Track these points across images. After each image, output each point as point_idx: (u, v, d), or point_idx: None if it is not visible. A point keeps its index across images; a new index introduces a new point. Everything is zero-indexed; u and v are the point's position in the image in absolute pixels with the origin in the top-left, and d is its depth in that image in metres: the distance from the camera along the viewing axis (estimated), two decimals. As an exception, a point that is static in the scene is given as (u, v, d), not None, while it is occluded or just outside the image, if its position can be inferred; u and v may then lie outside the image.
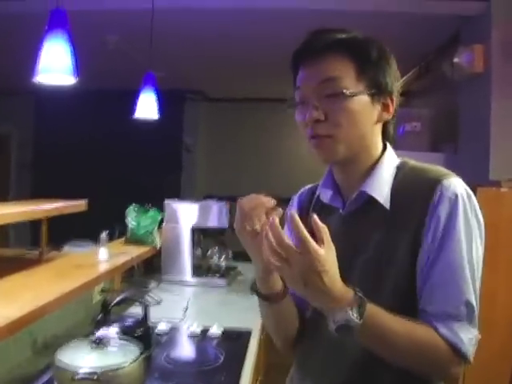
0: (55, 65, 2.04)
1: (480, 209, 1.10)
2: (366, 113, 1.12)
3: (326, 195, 1.27)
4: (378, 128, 1.18)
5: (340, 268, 0.98)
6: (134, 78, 3.48)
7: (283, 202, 1.36)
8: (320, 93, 1.11)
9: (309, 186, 1.40)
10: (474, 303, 1.04)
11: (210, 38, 4.72)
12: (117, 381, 1.46)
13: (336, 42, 1.12)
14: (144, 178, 6.85)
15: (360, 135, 1.13)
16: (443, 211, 1.05)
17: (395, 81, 1.17)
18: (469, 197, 1.08)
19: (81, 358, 1.49)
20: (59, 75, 2.09)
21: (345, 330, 0.96)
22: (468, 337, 1.03)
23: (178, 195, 7.05)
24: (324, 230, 0.94)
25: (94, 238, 2.77)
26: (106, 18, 4.11)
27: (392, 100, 1.16)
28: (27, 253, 2.94)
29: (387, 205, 1.12)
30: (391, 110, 1.16)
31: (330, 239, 0.94)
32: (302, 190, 1.41)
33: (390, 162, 1.18)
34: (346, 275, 0.99)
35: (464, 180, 1.12)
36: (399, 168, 1.18)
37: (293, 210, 0.95)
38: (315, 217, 0.93)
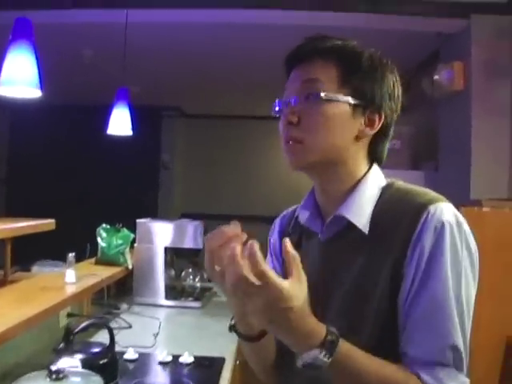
0: (18, 76, 1.95)
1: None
2: (342, 122, 1.04)
3: (303, 217, 1.17)
4: (361, 145, 1.09)
5: (318, 299, 0.90)
6: (110, 93, 3.41)
7: (263, 220, 1.27)
8: (300, 94, 1.05)
9: (293, 207, 1.30)
10: (462, 347, 0.93)
11: (187, 53, 4.68)
12: (75, 418, 1.34)
13: (325, 47, 1.06)
14: (121, 195, 6.75)
15: (332, 144, 1.04)
16: (427, 241, 0.94)
17: (389, 98, 1.08)
18: (459, 225, 0.97)
19: (36, 393, 1.37)
20: (23, 88, 1.99)
21: (312, 369, 0.87)
22: None
23: (156, 213, 6.95)
24: (294, 259, 0.83)
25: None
26: (81, 32, 4.03)
27: (380, 116, 1.07)
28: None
29: (366, 230, 1.02)
30: (376, 126, 1.07)
31: (300, 270, 0.84)
32: (284, 212, 1.32)
33: (374, 182, 1.08)
34: (324, 306, 0.92)
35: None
36: (384, 189, 1.08)
37: (254, 241, 0.83)
38: (286, 243, 0.83)
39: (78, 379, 1.47)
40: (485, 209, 2.63)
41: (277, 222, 1.31)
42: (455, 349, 0.92)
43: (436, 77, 3.53)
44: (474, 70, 3.38)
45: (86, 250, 3.33)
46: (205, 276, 3.34)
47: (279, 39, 3.80)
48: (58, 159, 6.88)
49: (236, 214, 7.24)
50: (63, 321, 2.43)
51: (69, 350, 1.73)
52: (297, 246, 1.17)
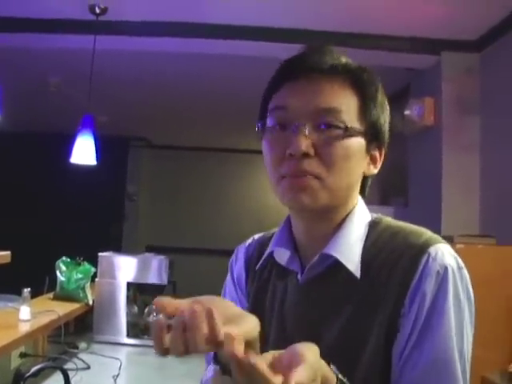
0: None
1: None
2: (359, 160, 0.91)
3: (282, 257, 0.99)
4: (359, 184, 0.97)
5: None
6: (75, 121, 3.34)
7: (230, 254, 1.13)
8: (315, 122, 0.87)
9: (258, 235, 1.12)
10: None
11: (155, 84, 4.65)
12: None
13: (343, 66, 0.90)
14: (84, 226, 6.55)
15: (347, 185, 0.91)
16: (429, 288, 0.82)
17: (389, 132, 0.97)
18: (460, 269, 0.85)
19: None
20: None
21: None
22: None
23: (120, 245, 6.77)
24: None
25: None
26: (46, 58, 3.93)
27: (381, 152, 0.96)
28: None
29: (357, 272, 0.88)
30: (378, 163, 0.96)
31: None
32: (249, 240, 1.12)
33: (361, 218, 0.94)
34: None
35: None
36: (372, 226, 0.94)
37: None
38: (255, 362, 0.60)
39: (26, 431, 1.33)
40: (458, 245, 2.57)
41: (240, 250, 1.12)
42: None
43: (407, 112, 3.53)
44: (444, 106, 3.40)
45: (44, 283, 3.17)
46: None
47: (249, 71, 3.78)
48: (16, 188, 6.61)
49: (202, 247, 7.18)
50: (15, 361, 2.26)
51: (18, 397, 1.58)
52: (265, 284, 1.03)
